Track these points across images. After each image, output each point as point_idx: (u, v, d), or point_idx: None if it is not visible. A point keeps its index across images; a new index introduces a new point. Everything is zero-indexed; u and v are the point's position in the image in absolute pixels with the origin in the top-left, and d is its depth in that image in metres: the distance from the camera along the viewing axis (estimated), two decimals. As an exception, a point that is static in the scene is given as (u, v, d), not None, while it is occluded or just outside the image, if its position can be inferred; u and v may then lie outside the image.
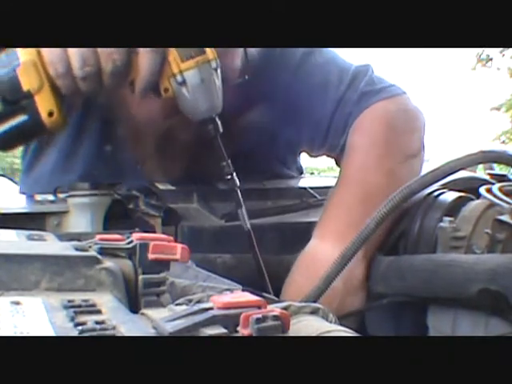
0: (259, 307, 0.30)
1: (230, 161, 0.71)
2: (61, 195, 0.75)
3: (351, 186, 0.79)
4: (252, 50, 0.83)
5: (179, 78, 0.66)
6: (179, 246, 0.41)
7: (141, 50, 0.63)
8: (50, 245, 0.46)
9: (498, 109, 12.21)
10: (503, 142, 12.24)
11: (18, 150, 1.08)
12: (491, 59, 11.65)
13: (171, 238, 0.43)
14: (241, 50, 0.78)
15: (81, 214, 0.73)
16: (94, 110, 0.91)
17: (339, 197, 0.80)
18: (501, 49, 10.76)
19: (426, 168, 0.64)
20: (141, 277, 0.40)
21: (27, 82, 0.61)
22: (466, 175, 0.80)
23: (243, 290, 0.45)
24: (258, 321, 0.28)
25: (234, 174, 0.72)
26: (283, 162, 1.06)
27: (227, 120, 0.73)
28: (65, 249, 0.40)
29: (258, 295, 0.32)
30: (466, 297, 0.56)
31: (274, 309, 0.30)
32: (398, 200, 0.60)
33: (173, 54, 0.65)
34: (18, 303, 0.32)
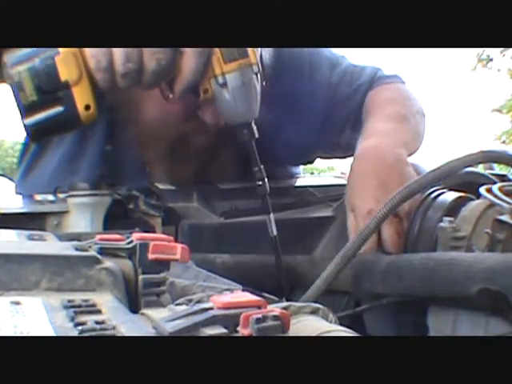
0: (259, 307, 0.30)
1: (262, 166, 0.69)
2: (61, 195, 0.75)
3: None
4: (265, 55, 0.83)
5: (221, 79, 0.65)
6: (179, 246, 0.41)
7: (187, 50, 0.62)
8: (50, 245, 0.46)
9: (499, 110, 12.22)
10: (503, 142, 12.26)
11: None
12: (491, 60, 11.65)
13: (171, 238, 0.43)
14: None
15: (81, 214, 0.73)
16: (102, 111, 0.90)
17: (376, 117, 0.86)
18: (501, 49, 10.77)
19: (426, 168, 0.64)
20: (141, 277, 0.40)
21: (65, 72, 0.58)
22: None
23: (243, 290, 0.45)
24: (258, 321, 0.28)
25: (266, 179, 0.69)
26: (285, 163, 1.06)
27: None
28: (65, 249, 0.40)
29: (258, 295, 0.32)
30: (466, 296, 0.56)
31: (274, 309, 0.30)
32: (398, 200, 0.59)
33: (217, 54, 0.64)
34: (18, 303, 0.32)
